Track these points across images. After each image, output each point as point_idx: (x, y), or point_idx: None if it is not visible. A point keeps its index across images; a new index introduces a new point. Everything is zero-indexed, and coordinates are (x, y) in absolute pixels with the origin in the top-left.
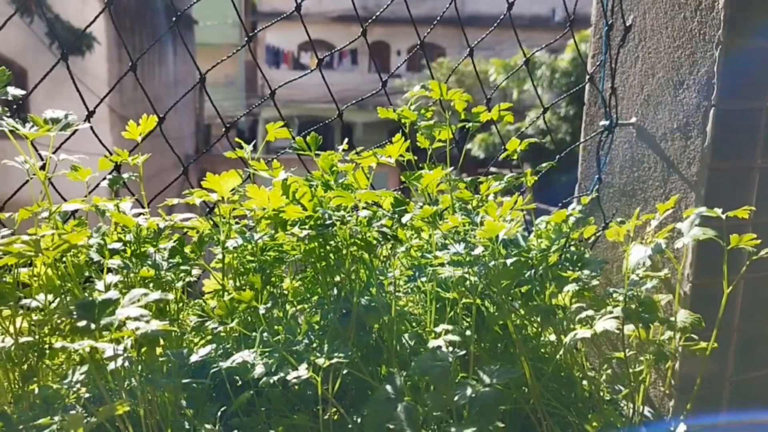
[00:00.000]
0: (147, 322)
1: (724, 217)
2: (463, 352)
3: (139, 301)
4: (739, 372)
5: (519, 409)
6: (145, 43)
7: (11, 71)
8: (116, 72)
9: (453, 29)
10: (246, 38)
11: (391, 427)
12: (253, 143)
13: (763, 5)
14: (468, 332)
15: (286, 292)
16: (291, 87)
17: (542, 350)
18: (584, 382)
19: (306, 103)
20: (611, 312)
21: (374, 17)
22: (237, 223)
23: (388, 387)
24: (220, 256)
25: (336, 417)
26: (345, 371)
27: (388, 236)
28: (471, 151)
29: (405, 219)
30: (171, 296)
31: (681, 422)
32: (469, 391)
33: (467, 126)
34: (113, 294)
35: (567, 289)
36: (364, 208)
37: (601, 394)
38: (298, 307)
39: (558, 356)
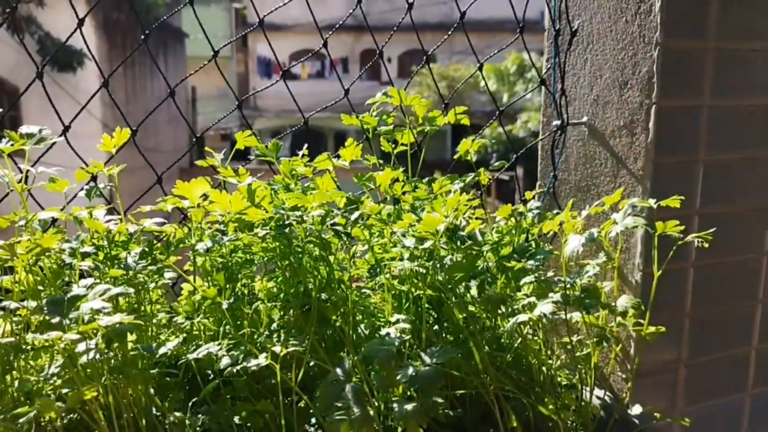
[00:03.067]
0: (108, 314)
1: (655, 206)
2: (408, 336)
3: (102, 295)
4: (693, 356)
5: (480, 396)
6: (135, 57)
7: (3, 90)
8: (109, 87)
9: (443, 35)
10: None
11: (339, 405)
12: (223, 152)
13: (697, 8)
14: (425, 322)
15: (256, 291)
16: (283, 97)
17: (503, 339)
18: (542, 369)
19: (298, 112)
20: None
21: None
22: (210, 228)
23: (338, 370)
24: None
25: (302, 405)
26: (312, 363)
27: (341, 233)
28: (458, 158)
29: (353, 216)
30: (131, 291)
31: (637, 405)
32: (410, 370)
33: (426, 130)
34: (81, 290)
35: (525, 281)
36: (318, 207)
37: (559, 379)
38: (269, 305)
39: (516, 344)
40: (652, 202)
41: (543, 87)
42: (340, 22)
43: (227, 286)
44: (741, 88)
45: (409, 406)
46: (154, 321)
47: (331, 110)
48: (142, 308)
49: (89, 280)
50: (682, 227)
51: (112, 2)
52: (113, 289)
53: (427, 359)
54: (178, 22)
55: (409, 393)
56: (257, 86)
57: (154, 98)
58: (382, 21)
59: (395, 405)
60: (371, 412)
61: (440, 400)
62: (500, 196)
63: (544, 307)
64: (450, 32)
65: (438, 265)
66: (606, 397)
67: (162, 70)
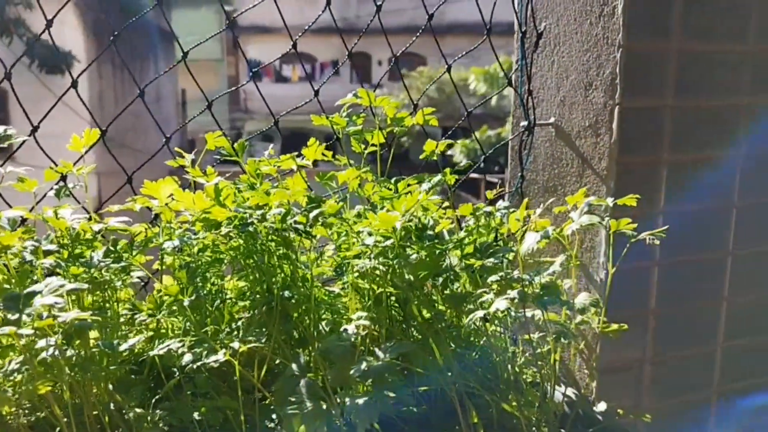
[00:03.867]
0: (63, 309)
1: (611, 204)
2: (364, 333)
3: (56, 291)
4: (659, 354)
5: (444, 394)
6: (125, 59)
7: None
8: (97, 90)
9: (433, 38)
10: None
11: (293, 399)
12: (194, 152)
13: (659, 10)
14: (387, 320)
15: (227, 290)
16: (273, 100)
17: (472, 338)
18: (508, 366)
19: (289, 115)
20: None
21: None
22: (182, 227)
23: (294, 365)
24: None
25: (268, 402)
26: (278, 361)
27: (301, 231)
28: (453, 157)
29: (312, 215)
30: (86, 286)
31: (602, 402)
32: (363, 365)
33: (394, 130)
34: (38, 287)
35: (491, 279)
36: (279, 206)
37: (525, 377)
38: (240, 303)
39: (481, 342)
40: (609, 200)
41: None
42: (307, 23)
43: (190, 283)
44: (703, 88)
45: (360, 401)
46: (120, 319)
47: (319, 112)
48: (108, 307)
49: (53, 279)
50: (634, 225)
51: (102, 4)
52: (67, 284)
53: (381, 355)
54: (166, 24)
55: (367, 389)
56: (248, 89)
57: (143, 101)
58: (372, 23)
59: (347, 400)
60: (324, 407)
61: (392, 395)
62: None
63: (500, 304)
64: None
65: (402, 263)
66: (572, 394)
67: (151, 73)
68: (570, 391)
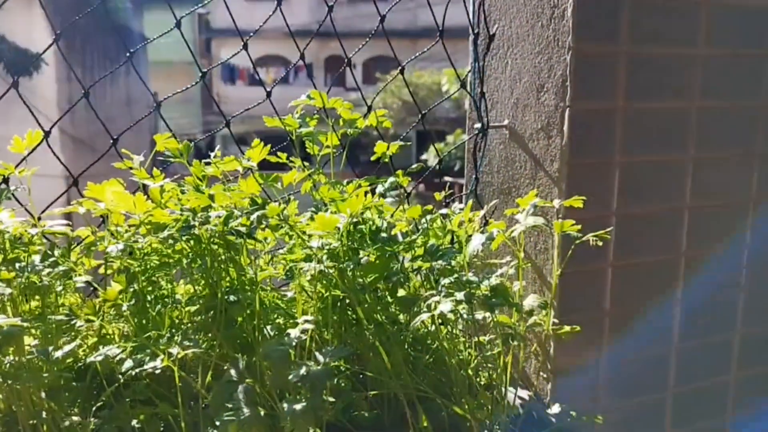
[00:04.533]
0: None
1: (557, 206)
2: (306, 337)
3: None
4: (614, 355)
5: (398, 399)
6: (95, 62)
7: None
8: (66, 92)
9: (408, 41)
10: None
11: (230, 406)
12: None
13: (608, 13)
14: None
15: (177, 294)
16: (247, 103)
17: (428, 341)
18: (461, 370)
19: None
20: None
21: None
22: (128, 231)
23: (232, 370)
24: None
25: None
26: (225, 367)
27: (243, 234)
28: (427, 161)
29: (253, 217)
30: (9, 291)
31: (556, 404)
32: (303, 370)
33: (349, 132)
34: None
35: (444, 282)
36: (220, 209)
37: (478, 379)
38: (186, 309)
39: (434, 345)
40: (556, 202)
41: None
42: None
43: (129, 287)
44: (653, 91)
45: (298, 406)
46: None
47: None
48: (48, 312)
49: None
50: (579, 227)
51: (72, 5)
52: None
53: (321, 359)
54: (139, 26)
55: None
56: (221, 91)
57: (114, 103)
58: (347, 27)
59: (285, 405)
60: (262, 413)
61: (331, 400)
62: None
63: (444, 306)
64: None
65: (351, 266)
66: (526, 396)
67: (122, 75)
68: (524, 394)
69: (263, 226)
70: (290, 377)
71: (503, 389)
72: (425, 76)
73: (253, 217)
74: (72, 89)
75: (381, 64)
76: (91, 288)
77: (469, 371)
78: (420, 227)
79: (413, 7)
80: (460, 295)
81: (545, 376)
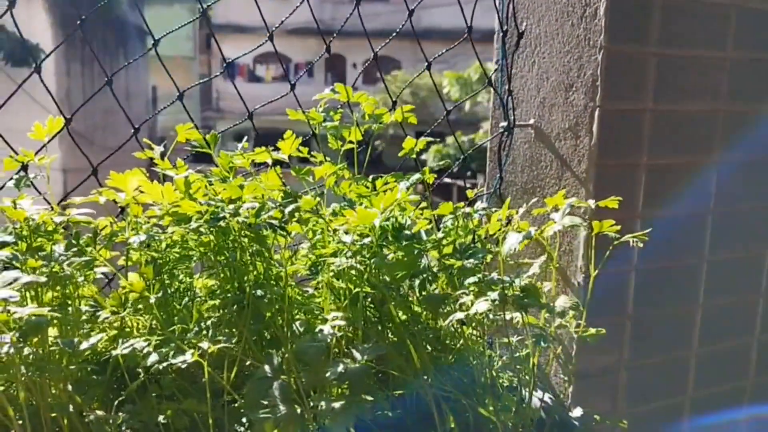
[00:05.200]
0: (18, 304)
1: (593, 207)
2: (340, 333)
3: (11, 284)
4: (634, 358)
5: (419, 398)
6: (95, 56)
7: None
8: (65, 85)
9: (408, 43)
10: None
11: (266, 403)
12: (162, 144)
13: (640, 14)
14: (362, 321)
15: (195, 288)
16: (246, 99)
17: (447, 341)
18: (485, 370)
19: (261, 115)
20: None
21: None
22: (148, 222)
23: (267, 367)
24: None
25: (238, 405)
26: (248, 362)
27: (275, 227)
28: (426, 162)
29: (288, 210)
30: (43, 279)
31: (578, 407)
32: (340, 367)
33: (372, 127)
34: None
35: (468, 281)
36: (253, 200)
37: (501, 381)
38: (209, 302)
39: (458, 345)
40: (591, 202)
41: (492, 89)
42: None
43: (156, 280)
44: (681, 93)
45: (336, 405)
46: (80, 317)
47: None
48: (69, 303)
49: (8, 272)
50: (618, 227)
51: None
52: (23, 277)
53: (358, 356)
54: (139, 20)
55: (341, 392)
56: (220, 88)
57: (112, 98)
58: (349, 26)
59: (323, 403)
60: (298, 411)
61: (369, 399)
62: (461, 201)
63: (480, 306)
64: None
65: (379, 263)
66: (548, 399)
67: (123, 70)
68: (546, 396)
69: (294, 219)
70: (327, 375)
71: (527, 391)
72: (425, 76)
73: (288, 209)
74: (71, 83)
75: (381, 65)
76: (107, 280)
77: (493, 372)
78: (441, 226)
79: (414, 8)
80: (494, 295)
81: (566, 378)
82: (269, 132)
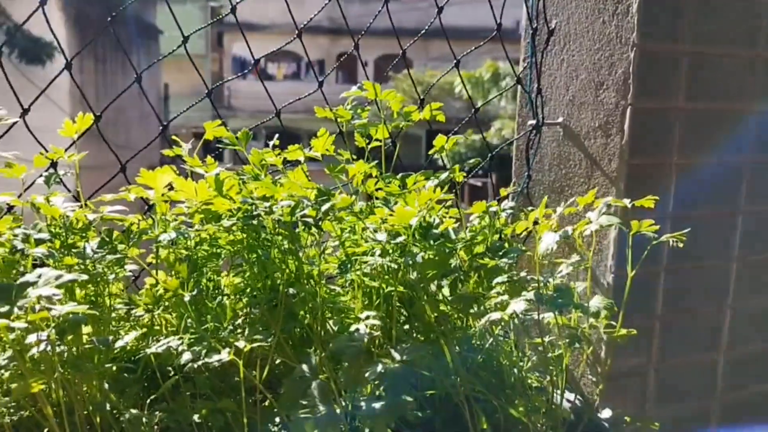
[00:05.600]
0: (60, 302)
1: (630, 206)
2: (378, 333)
3: (54, 281)
4: (663, 360)
5: (450, 397)
6: (107, 53)
7: None
8: (78, 82)
9: (420, 41)
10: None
11: (305, 403)
12: (190, 142)
13: (673, 11)
14: (395, 321)
15: (222, 286)
16: (258, 98)
17: (473, 341)
18: (514, 371)
19: (273, 113)
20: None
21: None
22: (176, 220)
23: (305, 366)
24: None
25: (267, 403)
26: (278, 361)
27: (311, 225)
28: (438, 161)
29: (324, 207)
30: (85, 276)
31: (607, 408)
32: (380, 367)
33: (401, 125)
34: (31, 277)
35: (498, 281)
36: (288, 198)
37: (530, 381)
38: (235, 300)
39: (487, 345)
40: (626, 201)
41: (519, 87)
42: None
43: (191, 278)
44: (713, 92)
45: (377, 405)
46: (113, 314)
47: (305, 112)
48: (100, 301)
49: (44, 269)
50: (657, 227)
51: None
52: (65, 275)
53: (397, 356)
54: (152, 19)
55: (377, 392)
56: (232, 86)
57: (126, 95)
58: (358, 24)
59: (363, 404)
60: (338, 411)
61: (409, 399)
62: (473, 201)
63: (517, 305)
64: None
65: (410, 262)
66: (576, 400)
67: (135, 66)
68: (574, 397)
69: (329, 217)
70: (366, 374)
71: (558, 392)
72: (438, 74)
73: (324, 207)
74: (84, 80)
75: (392, 62)
76: (134, 277)
77: (522, 372)
78: (469, 224)
79: (425, 7)
80: (530, 295)
81: (594, 379)
82: (277, 130)
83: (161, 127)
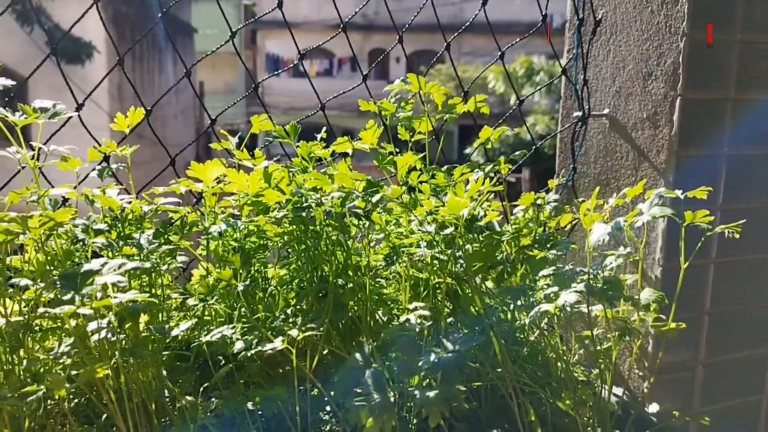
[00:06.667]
0: (123, 290)
1: (682, 197)
2: (430, 323)
3: (118, 269)
4: (711, 355)
5: (495, 389)
6: (144, 51)
7: (13, 80)
8: (116, 80)
9: (451, 35)
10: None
11: (359, 391)
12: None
13: (723, 0)
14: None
15: (269, 278)
16: (291, 95)
17: (518, 334)
18: (559, 364)
19: (306, 110)
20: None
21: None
22: (223, 212)
23: (358, 355)
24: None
25: (315, 392)
26: (325, 351)
27: (361, 216)
28: (470, 156)
29: (375, 198)
30: (147, 265)
31: (654, 403)
32: (432, 356)
33: (445, 118)
34: (95, 265)
35: (543, 273)
36: (338, 189)
37: (576, 374)
38: (283, 290)
39: (532, 338)
40: (678, 192)
41: (563, 79)
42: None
43: (243, 268)
44: (764, 82)
45: (431, 394)
46: (167, 303)
47: (338, 108)
48: (154, 291)
49: (102, 259)
50: (712, 218)
51: None
52: (128, 263)
53: (450, 346)
54: (187, 17)
55: (426, 382)
56: (265, 83)
57: (162, 92)
58: (389, 21)
59: (417, 392)
60: (392, 399)
61: (462, 388)
62: (507, 197)
63: (568, 297)
64: (459, 32)
65: (457, 254)
66: (624, 395)
67: (170, 65)
68: (621, 391)
69: (378, 208)
70: (420, 363)
71: (605, 386)
72: (470, 70)
73: (375, 198)
74: (122, 77)
75: (424, 58)
76: (183, 268)
77: (568, 366)
78: (512, 217)
79: (458, 2)
80: (580, 287)
81: (641, 373)
82: (310, 127)
83: (209, 121)
